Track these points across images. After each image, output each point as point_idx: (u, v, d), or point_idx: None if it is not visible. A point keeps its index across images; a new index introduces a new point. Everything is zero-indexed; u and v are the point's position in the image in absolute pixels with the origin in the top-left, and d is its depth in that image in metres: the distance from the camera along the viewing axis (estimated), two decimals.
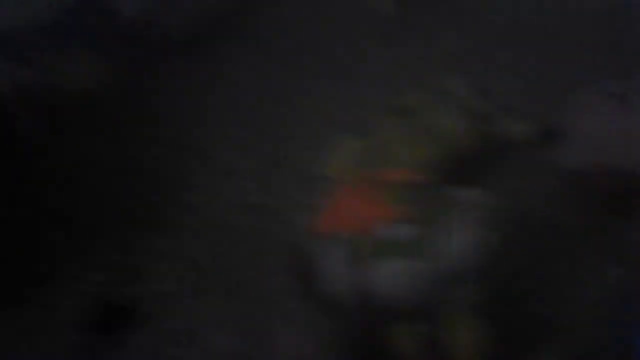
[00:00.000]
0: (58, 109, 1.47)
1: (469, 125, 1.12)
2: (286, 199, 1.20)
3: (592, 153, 1.02)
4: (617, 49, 1.38)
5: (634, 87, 1.03)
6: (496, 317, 0.92)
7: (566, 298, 0.95)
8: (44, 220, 1.24)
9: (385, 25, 1.62)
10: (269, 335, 0.95)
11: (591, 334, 0.90)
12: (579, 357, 0.86)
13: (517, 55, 1.44)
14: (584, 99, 1.06)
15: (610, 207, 1.02)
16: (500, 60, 1.43)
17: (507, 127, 1.16)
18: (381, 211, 0.80)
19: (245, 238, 1.15)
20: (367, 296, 0.78)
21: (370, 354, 0.84)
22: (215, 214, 1.20)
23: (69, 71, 1.48)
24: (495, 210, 0.81)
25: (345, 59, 1.53)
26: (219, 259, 1.12)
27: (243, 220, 1.18)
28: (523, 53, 1.44)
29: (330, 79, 1.48)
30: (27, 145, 1.40)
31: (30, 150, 1.39)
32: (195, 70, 1.58)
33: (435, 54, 1.49)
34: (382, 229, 0.78)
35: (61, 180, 1.33)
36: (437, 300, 0.79)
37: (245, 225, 1.17)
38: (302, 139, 1.32)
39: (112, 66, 1.56)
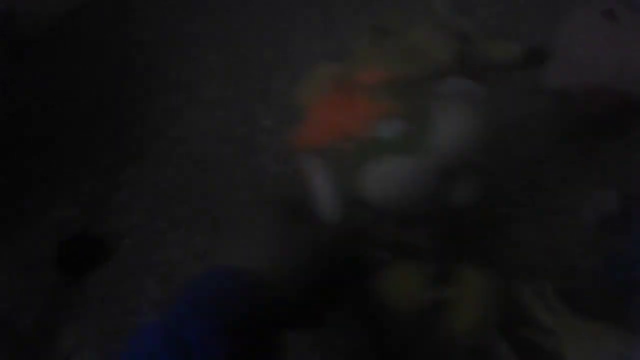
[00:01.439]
0: (28, 36, 1.42)
1: (452, 45, 1.07)
2: (266, 130, 1.16)
3: (581, 73, 0.98)
4: None
5: (624, 3, 0.98)
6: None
7: (557, 223, 0.91)
8: (17, 148, 1.21)
9: None
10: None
11: (585, 263, 0.87)
12: (570, 286, 0.81)
13: None
14: (571, 18, 1.01)
15: (601, 128, 0.98)
16: None
17: (492, 47, 1.12)
18: (363, 112, 0.73)
19: (223, 169, 1.11)
20: (362, 203, 0.72)
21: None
22: (192, 145, 1.17)
23: None
24: (484, 100, 0.75)
25: None
26: (195, 191, 1.09)
27: (221, 151, 1.15)
28: None
29: (306, 6, 1.42)
30: None
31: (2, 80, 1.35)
32: None
33: None
34: (367, 130, 0.72)
35: (35, 109, 1.29)
36: (438, 195, 0.72)
37: (223, 156, 1.14)
38: (282, 67, 1.27)
39: None
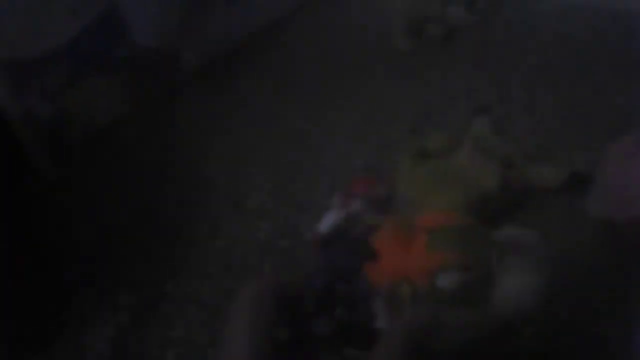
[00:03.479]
0: (75, 142, 1.46)
1: (495, 168, 1.09)
2: (308, 243, 1.17)
3: (623, 202, 0.99)
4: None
5: None
6: None
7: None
8: (57, 258, 1.21)
9: (403, 63, 1.61)
10: None
11: None
12: None
13: (541, 97, 1.42)
14: (613, 146, 1.04)
15: None
16: (523, 101, 1.42)
17: (537, 172, 1.14)
18: (422, 258, 0.73)
19: None
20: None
21: None
22: (235, 256, 1.18)
23: (86, 103, 1.47)
24: (544, 252, 0.76)
25: (363, 97, 1.52)
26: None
27: (264, 263, 1.15)
28: (547, 94, 1.43)
29: (348, 117, 1.47)
30: (43, 180, 1.38)
31: (46, 186, 1.37)
32: (210, 104, 1.58)
33: (457, 94, 1.48)
34: (425, 278, 0.72)
35: (77, 217, 1.31)
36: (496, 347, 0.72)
37: (265, 269, 1.14)
38: (322, 179, 1.30)
39: (130, 98, 1.55)
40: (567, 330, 0.91)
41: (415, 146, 1.18)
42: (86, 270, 1.19)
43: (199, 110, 1.57)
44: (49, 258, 1.21)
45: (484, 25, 1.68)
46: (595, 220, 1.04)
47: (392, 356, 0.57)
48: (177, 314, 1.09)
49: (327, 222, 0.78)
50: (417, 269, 0.72)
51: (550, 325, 0.85)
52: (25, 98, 1.34)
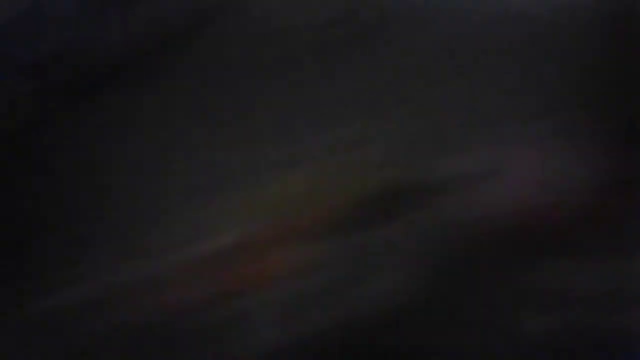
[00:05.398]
0: None
1: (372, 172, 1.05)
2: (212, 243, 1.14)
3: (518, 192, 0.96)
4: (540, 85, 1.34)
5: (554, 127, 0.97)
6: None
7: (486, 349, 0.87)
8: None
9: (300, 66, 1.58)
10: None
11: None
12: None
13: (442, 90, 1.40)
14: (508, 137, 1.01)
15: (536, 248, 0.95)
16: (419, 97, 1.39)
17: (421, 169, 1.10)
18: (286, 261, 0.69)
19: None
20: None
21: None
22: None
23: None
24: (418, 248, 0.71)
25: (291, 93, 1.49)
26: None
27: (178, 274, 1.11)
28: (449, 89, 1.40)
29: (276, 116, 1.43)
30: None
31: None
32: (135, 101, 1.53)
33: (342, 97, 1.44)
34: (290, 281, 0.67)
35: None
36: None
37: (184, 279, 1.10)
38: (233, 175, 1.26)
39: (34, 100, 1.49)
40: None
41: (290, 156, 1.12)
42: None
43: (122, 108, 1.51)
44: None
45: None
46: (488, 212, 1.00)
47: None
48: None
49: None
50: (281, 270, 0.67)
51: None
52: None
